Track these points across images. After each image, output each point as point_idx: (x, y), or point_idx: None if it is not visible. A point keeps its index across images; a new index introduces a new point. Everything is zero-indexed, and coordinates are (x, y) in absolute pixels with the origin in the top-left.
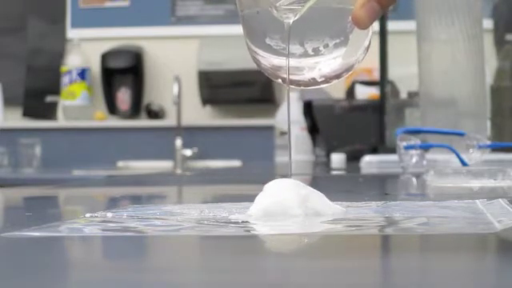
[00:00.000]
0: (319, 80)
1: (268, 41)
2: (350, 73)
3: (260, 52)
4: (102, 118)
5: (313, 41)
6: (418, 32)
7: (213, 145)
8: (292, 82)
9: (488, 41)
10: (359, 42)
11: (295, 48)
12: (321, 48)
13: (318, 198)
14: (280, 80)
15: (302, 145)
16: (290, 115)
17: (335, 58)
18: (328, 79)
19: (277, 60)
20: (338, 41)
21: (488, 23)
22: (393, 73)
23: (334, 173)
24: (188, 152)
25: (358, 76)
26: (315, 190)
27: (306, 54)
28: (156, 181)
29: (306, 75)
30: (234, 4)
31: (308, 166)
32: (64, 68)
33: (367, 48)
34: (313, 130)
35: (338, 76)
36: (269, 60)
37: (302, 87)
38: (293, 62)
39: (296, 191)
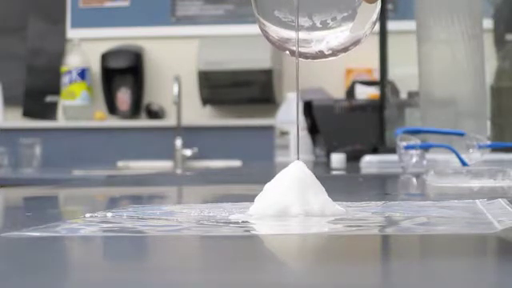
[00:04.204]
0: (326, 53)
1: (277, 13)
2: (357, 46)
3: (268, 24)
4: (102, 118)
5: (321, 14)
6: (418, 32)
7: (213, 145)
8: (300, 55)
9: (488, 41)
10: (367, 17)
11: (303, 20)
12: (329, 21)
13: (318, 198)
14: (288, 52)
15: (302, 145)
16: (298, 88)
17: (343, 32)
18: (335, 52)
19: (285, 32)
20: (345, 14)
21: (488, 23)
22: (393, 73)
23: (334, 173)
24: (188, 152)
25: (358, 76)
26: (318, 184)
27: (314, 27)
28: (156, 181)
29: (314, 48)
30: (234, 3)
31: (308, 165)
32: (64, 68)
33: (374, 22)
34: (313, 130)
35: (345, 49)
36: (277, 32)
37: (309, 59)
38: (301, 34)
39: (296, 191)
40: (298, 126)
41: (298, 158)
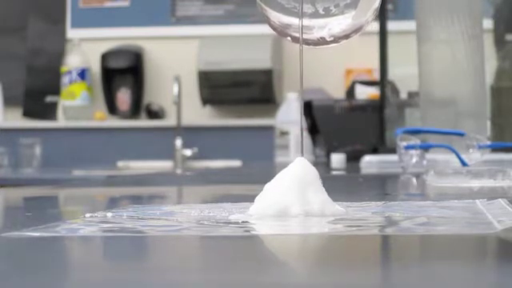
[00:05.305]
0: (328, 39)
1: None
2: (359, 33)
3: (270, 10)
4: (102, 118)
5: (324, 0)
6: (418, 32)
7: (213, 145)
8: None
9: (488, 41)
10: (369, 4)
11: (306, 7)
12: (332, 8)
13: (318, 198)
14: (289, 38)
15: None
16: (302, 80)
17: (345, 19)
18: (337, 39)
19: (286, 18)
20: (348, 1)
21: (488, 23)
22: (393, 73)
23: (334, 173)
24: (188, 152)
25: (358, 76)
26: (318, 183)
27: (316, 14)
28: (156, 181)
29: (316, 34)
30: (234, 3)
31: None
32: (64, 68)
33: (376, 10)
34: (313, 130)
35: (347, 36)
36: (278, 18)
37: (311, 46)
38: (303, 20)
39: (296, 191)
40: (302, 119)
41: (303, 155)
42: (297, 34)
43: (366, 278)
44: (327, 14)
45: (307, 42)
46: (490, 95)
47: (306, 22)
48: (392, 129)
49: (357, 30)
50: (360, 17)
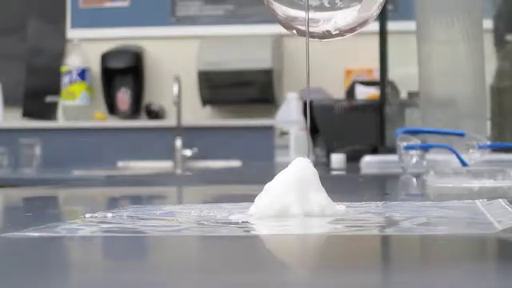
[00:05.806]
0: (334, 33)
1: None
2: (364, 27)
3: (276, 3)
4: (102, 118)
5: None
6: (418, 32)
7: (213, 145)
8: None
9: (488, 41)
10: None
11: (312, 0)
12: (337, 1)
13: (318, 198)
14: (294, 31)
15: (301, 145)
16: (309, 70)
17: (350, 12)
18: (342, 32)
19: (292, 11)
20: None
21: (488, 23)
22: (393, 73)
23: (334, 173)
24: (188, 152)
25: (358, 76)
26: (318, 183)
27: (322, 7)
28: (156, 181)
29: (321, 27)
30: (234, 3)
31: None
32: (64, 68)
33: (382, 4)
34: (313, 130)
35: (352, 30)
36: (284, 11)
37: (316, 39)
38: (309, 13)
39: (296, 191)
40: (308, 116)
41: (309, 155)
42: (302, 27)
43: (366, 278)
44: (333, 6)
45: (312, 35)
46: (490, 95)
47: (312, 14)
48: (392, 129)
49: (362, 24)
50: (365, 10)
